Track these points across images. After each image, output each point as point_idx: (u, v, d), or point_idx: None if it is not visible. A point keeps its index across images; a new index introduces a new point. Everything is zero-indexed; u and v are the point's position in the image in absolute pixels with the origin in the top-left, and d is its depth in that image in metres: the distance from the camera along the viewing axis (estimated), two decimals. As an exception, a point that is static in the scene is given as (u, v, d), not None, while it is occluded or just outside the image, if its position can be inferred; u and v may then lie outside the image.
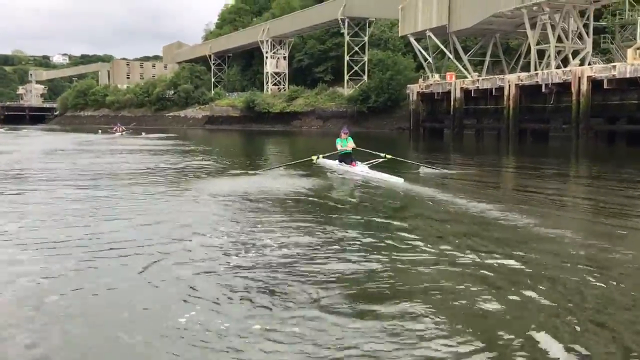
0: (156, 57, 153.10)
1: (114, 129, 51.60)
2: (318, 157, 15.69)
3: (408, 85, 48.54)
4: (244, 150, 32.51)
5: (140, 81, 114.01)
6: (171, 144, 34.62)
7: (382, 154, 15.30)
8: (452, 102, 40.99)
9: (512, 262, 5.64)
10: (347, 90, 77.70)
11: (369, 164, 14.70)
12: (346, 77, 78.63)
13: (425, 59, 53.04)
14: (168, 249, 6.01)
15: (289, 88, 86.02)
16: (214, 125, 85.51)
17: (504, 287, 4.82)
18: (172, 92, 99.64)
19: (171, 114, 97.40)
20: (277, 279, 5.00)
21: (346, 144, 15.29)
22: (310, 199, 10.01)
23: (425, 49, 52.92)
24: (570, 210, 9.82)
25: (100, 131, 52.38)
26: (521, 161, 23.99)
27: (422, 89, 44.81)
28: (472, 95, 39.63)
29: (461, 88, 40.32)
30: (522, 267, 5.48)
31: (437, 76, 46.46)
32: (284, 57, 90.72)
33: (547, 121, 34.62)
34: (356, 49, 79.04)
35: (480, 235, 6.87)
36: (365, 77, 77.58)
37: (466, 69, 47.19)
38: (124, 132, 50.18)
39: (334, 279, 4.99)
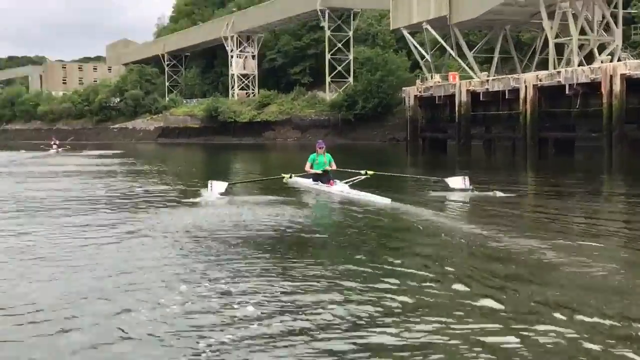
0: (98, 59, 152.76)
1: (52, 144, 51.19)
2: (290, 176, 15.92)
3: (403, 88, 48.14)
4: (205, 169, 32.31)
5: (79, 87, 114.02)
6: (117, 163, 33.85)
7: (362, 172, 15.45)
8: (457, 107, 40.35)
9: (538, 305, 5.65)
10: (329, 94, 78.02)
11: (349, 182, 14.95)
12: (328, 79, 78.91)
13: (422, 57, 52.55)
14: (111, 312, 5.58)
15: (259, 93, 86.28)
16: (169, 139, 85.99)
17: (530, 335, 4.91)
18: (118, 100, 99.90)
19: (117, 125, 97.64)
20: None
21: (322, 162, 15.41)
22: (280, 229, 9.89)
23: (422, 44, 52.50)
24: (603, 239, 9.39)
25: (23, 151, 51.45)
26: (542, 178, 23.49)
27: (420, 92, 44.32)
28: (481, 98, 39.12)
29: (467, 90, 39.81)
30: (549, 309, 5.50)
31: (437, 77, 45.96)
32: (253, 56, 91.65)
33: (572, 129, 34.22)
34: (339, 45, 79.26)
35: (492, 271, 6.85)
36: (351, 79, 77.89)
37: (471, 68, 46.85)
38: (60, 150, 49.90)
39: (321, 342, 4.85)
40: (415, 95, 44.73)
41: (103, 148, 57.10)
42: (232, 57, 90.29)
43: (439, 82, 44.42)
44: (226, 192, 14.47)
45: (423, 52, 52.26)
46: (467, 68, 47.65)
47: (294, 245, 8.63)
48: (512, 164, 32.75)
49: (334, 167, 15.60)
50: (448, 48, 49.28)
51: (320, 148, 15.57)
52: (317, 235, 9.61)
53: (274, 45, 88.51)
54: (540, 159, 33.62)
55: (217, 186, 14.38)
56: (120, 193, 16.63)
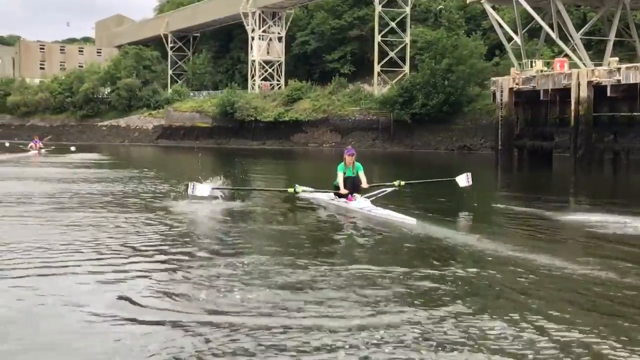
0: (86, 40, 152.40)
1: (30, 145, 51.62)
2: (296, 191, 16.27)
3: (493, 79, 44.71)
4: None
5: (60, 73, 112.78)
6: (99, 175, 30.47)
7: (396, 182, 16.32)
8: (573, 105, 36.95)
9: None
10: (378, 88, 75.85)
11: (372, 196, 15.52)
12: (377, 68, 76.73)
13: (510, 39, 48.94)
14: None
15: (287, 85, 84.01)
16: (172, 141, 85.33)
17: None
18: (109, 90, 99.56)
19: (106, 123, 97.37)
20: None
21: (351, 175, 15.49)
22: (293, 253, 10.37)
23: (512, 22, 49.72)
24: None
25: None
26: None
27: (517, 84, 40.32)
28: (608, 94, 35.38)
29: (589, 82, 36.03)
30: None
31: (539, 63, 41.95)
32: (279, 38, 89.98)
33: None
34: (392, 24, 76.78)
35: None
36: (407, 68, 75.97)
37: (576, 53, 43.13)
38: (41, 150, 50.52)
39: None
40: (511, 89, 41.14)
41: (87, 150, 57.14)
42: (252, 38, 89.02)
43: (545, 71, 40.40)
44: (209, 197, 15.44)
45: (511, 32, 49.59)
46: (571, 54, 44.74)
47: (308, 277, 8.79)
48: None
49: (364, 181, 15.60)
50: (546, 27, 46.13)
51: (349, 155, 15.52)
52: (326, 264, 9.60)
53: (307, 24, 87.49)
54: None
55: (199, 189, 15.15)
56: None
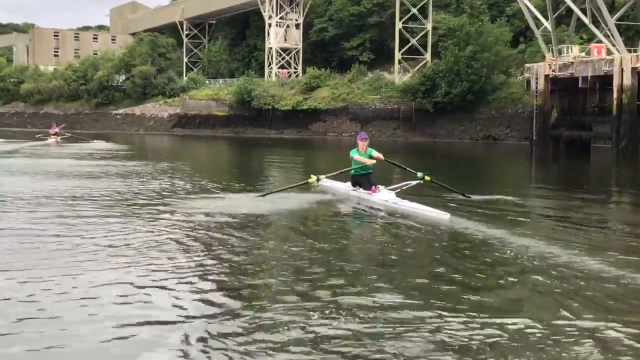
0: (101, 28, 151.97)
1: (52, 130, 51.93)
2: (319, 179, 15.96)
3: (527, 66, 43.00)
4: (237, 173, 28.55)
5: (74, 60, 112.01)
6: (113, 168, 28.32)
7: (419, 174, 15.43)
8: (616, 93, 35.55)
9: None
10: (399, 76, 74.53)
11: (396, 188, 14.91)
12: (397, 56, 75.27)
13: (538, 26, 47.61)
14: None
15: (304, 73, 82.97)
16: (188, 129, 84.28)
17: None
18: (124, 78, 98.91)
19: (121, 111, 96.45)
20: None
21: (364, 157, 15.43)
22: (309, 250, 10.00)
23: (539, 8, 48.40)
24: None
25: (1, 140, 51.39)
26: None
27: (553, 70, 38.48)
28: None
29: (634, 69, 34.51)
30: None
31: (576, 49, 39.94)
32: (297, 25, 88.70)
33: None
34: (414, 10, 75.21)
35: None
36: (428, 56, 74.80)
37: (610, 40, 41.27)
38: (59, 138, 50.68)
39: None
40: (547, 76, 39.18)
41: (101, 138, 56.53)
42: (269, 25, 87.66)
43: (583, 57, 38.40)
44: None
45: (541, 17, 47.76)
46: (604, 40, 42.90)
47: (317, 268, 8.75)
48: None
49: (381, 156, 15.34)
50: (579, 12, 44.03)
51: (362, 140, 15.43)
52: (352, 264, 9.16)
53: (325, 11, 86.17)
54: None
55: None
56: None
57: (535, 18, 47.94)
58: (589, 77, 37.03)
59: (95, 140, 51.96)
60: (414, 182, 15.28)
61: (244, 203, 14.43)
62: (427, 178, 15.38)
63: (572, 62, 38.36)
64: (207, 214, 13.00)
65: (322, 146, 58.67)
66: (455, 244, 10.70)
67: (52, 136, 50.61)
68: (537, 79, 39.78)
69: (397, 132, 68.76)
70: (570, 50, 40.93)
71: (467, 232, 11.40)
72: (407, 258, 9.63)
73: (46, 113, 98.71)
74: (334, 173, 15.97)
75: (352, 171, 15.51)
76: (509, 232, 11.22)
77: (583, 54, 39.93)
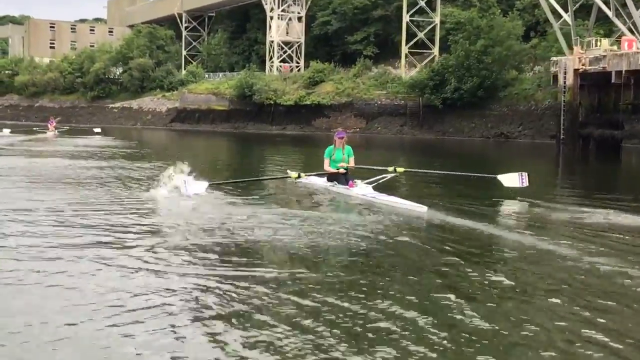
0: (98, 21, 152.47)
1: (50, 124, 53.11)
2: (299, 176, 16.15)
3: (554, 59, 40.64)
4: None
5: (71, 53, 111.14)
6: (99, 164, 26.30)
7: (390, 168, 15.79)
8: None
9: None
10: (405, 70, 72.62)
11: (373, 182, 15.08)
12: (404, 50, 73.25)
13: (558, 17, 46.80)
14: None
15: (306, 67, 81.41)
16: (187, 124, 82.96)
17: None
18: (121, 71, 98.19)
19: (118, 104, 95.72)
20: None
21: (340, 158, 15.64)
22: (291, 242, 9.94)
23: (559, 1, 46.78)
24: None
25: (7, 131, 52.03)
26: None
27: (583, 64, 35.73)
28: None
29: None
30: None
31: (606, 42, 37.34)
32: (299, 18, 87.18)
33: None
34: (421, 3, 73.27)
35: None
36: (436, 50, 72.89)
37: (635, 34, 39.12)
38: (57, 132, 51.44)
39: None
40: (576, 70, 36.29)
41: (97, 134, 55.04)
42: (271, 18, 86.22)
43: (614, 50, 35.83)
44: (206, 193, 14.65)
45: (560, 10, 46.82)
46: (628, 33, 41.46)
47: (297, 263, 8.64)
48: None
49: (352, 163, 15.72)
50: (601, 4, 42.41)
51: (339, 138, 15.65)
52: (332, 257, 9.20)
53: (328, 4, 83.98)
54: None
55: (193, 186, 14.35)
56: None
57: (553, 11, 46.08)
58: (623, 72, 34.53)
59: (96, 135, 51.88)
60: (389, 175, 15.51)
61: (215, 198, 14.29)
62: (400, 169, 15.75)
63: (605, 56, 36.09)
64: (193, 209, 12.93)
65: (325, 143, 55.75)
66: (434, 237, 10.67)
67: (51, 129, 51.28)
68: (565, 73, 37.32)
69: (404, 128, 66.56)
70: (599, 43, 38.20)
71: (446, 226, 11.34)
72: (386, 252, 9.40)
73: (41, 106, 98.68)
74: (312, 173, 16.41)
75: (331, 169, 15.72)
76: (490, 225, 11.30)
77: (615, 47, 37.32)
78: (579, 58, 37.03)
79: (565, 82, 37.30)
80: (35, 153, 29.55)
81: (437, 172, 18.30)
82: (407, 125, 66.55)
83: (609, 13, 41.52)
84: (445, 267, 8.37)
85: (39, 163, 24.11)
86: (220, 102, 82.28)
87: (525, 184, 15.26)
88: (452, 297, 6.95)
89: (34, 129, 55.42)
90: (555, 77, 38.89)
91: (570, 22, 44.46)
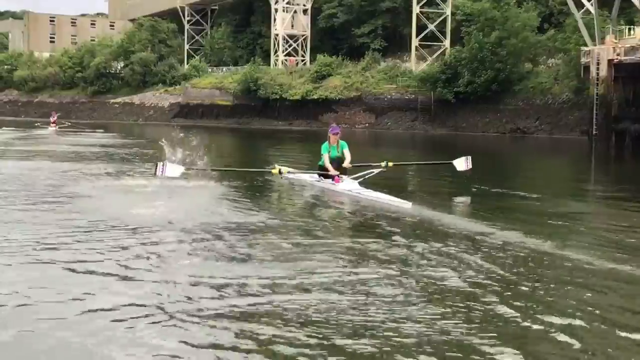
0: (100, 16, 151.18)
1: (52, 118, 52.53)
2: (280, 171, 15.48)
3: (584, 49, 37.92)
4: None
5: (71, 47, 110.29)
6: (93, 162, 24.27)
7: (383, 163, 15.45)
8: None
9: None
10: (416, 64, 71.14)
11: (359, 177, 15.07)
12: (415, 42, 71.69)
13: (580, 6, 44.33)
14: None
15: (312, 61, 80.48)
16: (190, 120, 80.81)
17: None
18: (122, 65, 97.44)
19: (119, 100, 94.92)
20: None
21: (335, 155, 15.15)
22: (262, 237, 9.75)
23: None
24: None
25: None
26: None
27: (618, 55, 33.32)
28: None
29: None
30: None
31: (639, 31, 34.82)
32: (305, 11, 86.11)
33: None
34: None
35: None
36: (447, 43, 71.08)
37: None
38: (57, 127, 50.69)
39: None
40: (610, 60, 33.77)
41: (97, 128, 54.70)
42: (276, 11, 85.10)
43: None
44: (181, 177, 14.61)
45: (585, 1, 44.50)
46: None
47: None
48: None
49: (349, 158, 14.92)
50: None
51: (334, 134, 15.01)
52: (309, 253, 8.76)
53: None
54: None
55: (169, 169, 14.28)
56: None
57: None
58: (662, 63, 31.99)
59: (98, 131, 51.26)
60: (376, 170, 15.27)
61: (201, 189, 14.15)
62: (390, 164, 15.47)
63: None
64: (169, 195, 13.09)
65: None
66: (418, 233, 10.32)
67: (52, 125, 50.90)
68: (598, 64, 34.80)
69: (415, 124, 64.51)
70: (632, 32, 35.73)
71: (431, 221, 11.15)
72: (370, 248, 9.06)
73: (40, 101, 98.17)
74: (297, 171, 16.25)
75: (320, 161, 15.10)
76: (473, 222, 11.07)
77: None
78: (613, 48, 34.59)
79: (598, 74, 34.90)
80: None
81: (422, 162, 18.91)
82: (419, 121, 64.52)
83: (637, 3, 39.19)
84: (425, 261, 8.12)
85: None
86: (224, 97, 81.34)
87: (470, 166, 15.64)
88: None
89: (36, 124, 55.00)
90: (587, 68, 36.50)
91: (593, 12, 42.17)
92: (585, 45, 45.53)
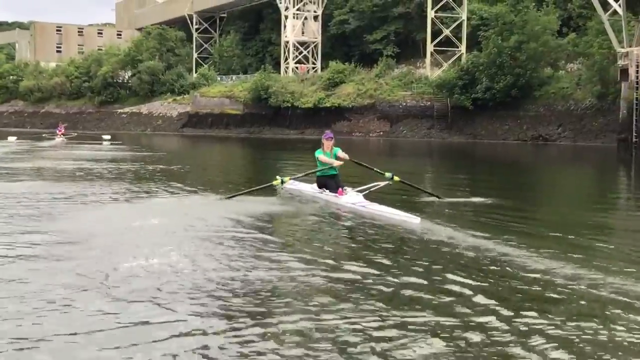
0: (107, 25, 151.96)
1: (59, 130, 53.39)
2: (283, 181, 15.42)
3: (621, 50, 35.19)
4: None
5: (78, 56, 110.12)
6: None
7: (388, 174, 15.01)
8: None
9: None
10: (431, 70, 69.27)
11: (364, 190, 14.48)
12: (430, 48, 69.81)
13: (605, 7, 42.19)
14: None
15: (323, 68, 79.62)
16: (199, 129, 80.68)
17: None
18: (130, 74, 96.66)
19: (126, 109, 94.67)
20: None
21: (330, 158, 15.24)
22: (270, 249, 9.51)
23: None
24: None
25: (13, 138, 50.67)
26: None
27: None
28: None
29: None
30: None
31: None
32: (315, 17, 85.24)
33: None
34: None
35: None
36: (463, 48, 69.28)
37: None
38: (65, 138, 51.51)
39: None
40: None
41: (103, 140, 53.43)
42: (286, 18, 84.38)
43: None
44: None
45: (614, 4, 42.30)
46: None
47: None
48: None
49: (344, 156, 14.57)
50: None
51: (328, 139, 14.64)
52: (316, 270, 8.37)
53: (345, 2, 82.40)
54: None
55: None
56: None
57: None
58: None
59: (105, 142, 50.88)
60: (382, 183, 14.78)
61: (206, 206, 13.90)
62: (396, 178, 14.98)
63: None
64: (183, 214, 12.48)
65: (347, 148, 51.59)
66: (426, 249, 9.73)
67: (59, 136, 51.45)
68: (637, 66, 32.22)
69: (431, 132, 62.34)
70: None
71: (439, 238, 10.36)
72: (375, 264, 8.62)
73: (47, 112, 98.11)
74: (299, 175, 15.90)
75: (318, 172, 14.85)
76: (487, 237, 10.20)
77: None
78: (654, 49, 32.35)
79: (638, 77, 32.54)
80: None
81: (435, 195, 15.59)
82: (435, 128, 62.43)
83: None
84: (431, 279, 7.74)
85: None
86: (234, 106, 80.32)
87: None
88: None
89: (43, 135, 54.88)
90: (624, 71, 34.04)
91: (621, 13, 39.97)
92: (609, 49, 43.38)
